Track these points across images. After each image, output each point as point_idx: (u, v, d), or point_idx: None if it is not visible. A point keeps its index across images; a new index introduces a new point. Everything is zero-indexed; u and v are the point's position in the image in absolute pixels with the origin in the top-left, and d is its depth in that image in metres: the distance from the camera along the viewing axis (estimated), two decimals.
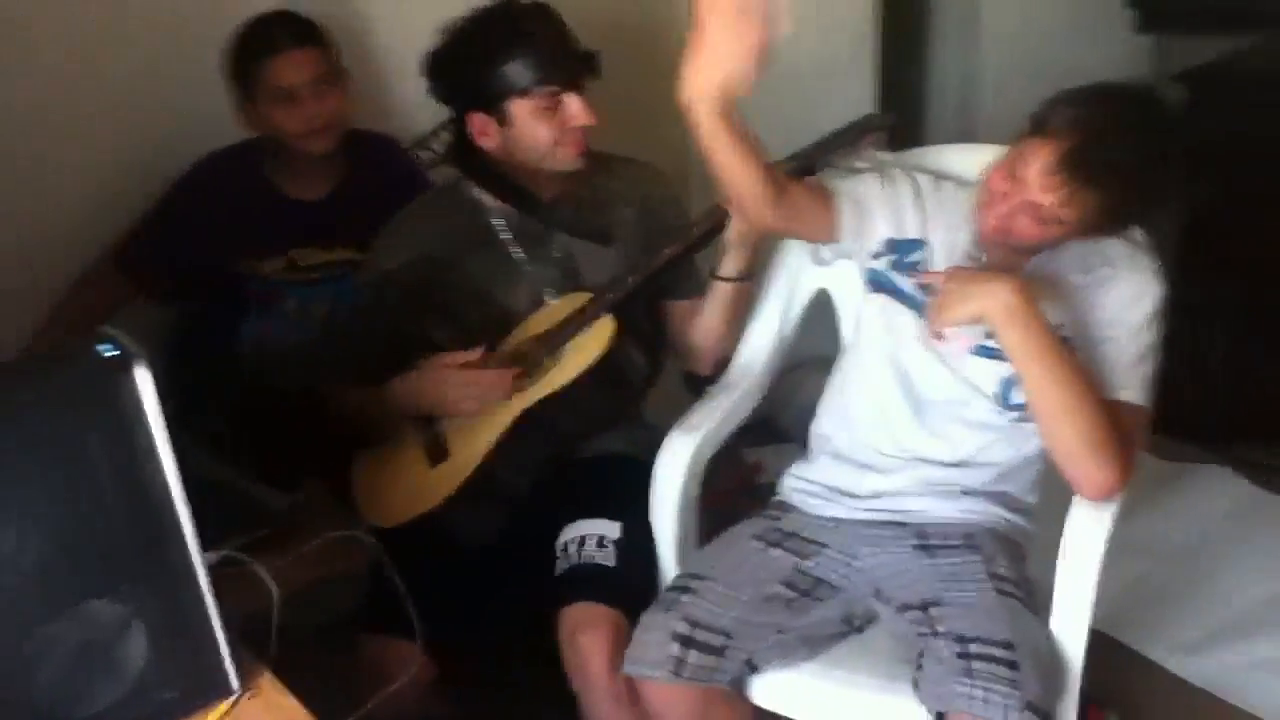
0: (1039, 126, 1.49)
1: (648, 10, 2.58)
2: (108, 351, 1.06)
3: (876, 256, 1.69)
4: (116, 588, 1.08)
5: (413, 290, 1.82)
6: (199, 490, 1.12)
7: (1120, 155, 1.46)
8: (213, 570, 1.14)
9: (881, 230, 1.68)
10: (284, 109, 1.96)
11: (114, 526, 1.06)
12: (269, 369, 2.15)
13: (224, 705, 1.16)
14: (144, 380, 1.04)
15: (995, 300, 1.48)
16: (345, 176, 2.08)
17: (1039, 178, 1.47)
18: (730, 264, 1.75)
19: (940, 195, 1.69)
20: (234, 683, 1.16)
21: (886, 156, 1.64)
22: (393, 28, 2.22)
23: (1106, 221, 1.51)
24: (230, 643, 1.15)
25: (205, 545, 1.13)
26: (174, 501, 1.08)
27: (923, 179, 1.68)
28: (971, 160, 1.67)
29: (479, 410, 1.74)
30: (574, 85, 1.71)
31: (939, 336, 1.57)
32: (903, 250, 1.68)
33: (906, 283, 1.66)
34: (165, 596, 1.10)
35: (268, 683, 1.19)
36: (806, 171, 1.65)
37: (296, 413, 2.04)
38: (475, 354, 1.75)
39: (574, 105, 1.71)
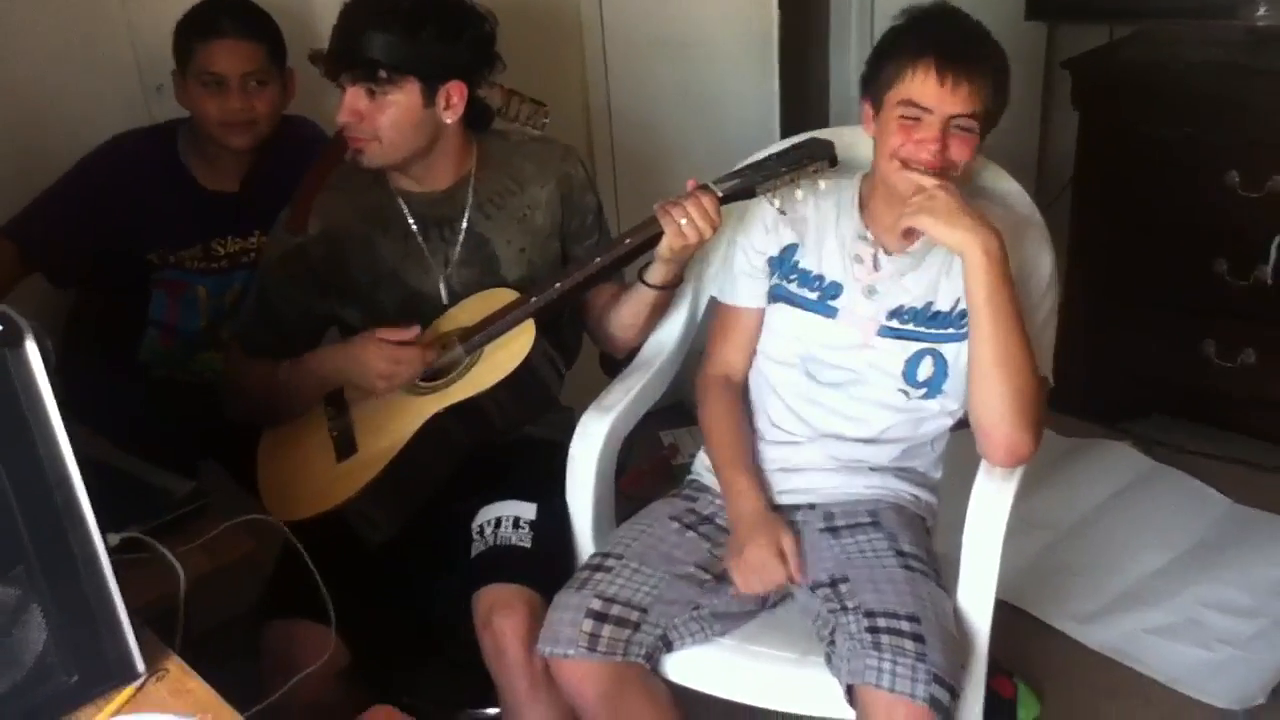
0: (893, 80, 1.56)
1: None
2: None
3: (769, 276, 1.74)
4: (10, 571, 1.04)
5: (321, 264, 1.79)
6: (99, 476, 1.09)
7: (967, 33, 1.56)
8: (115, 553, 1.11)
9: (759, 268, 1.74)
10: (209, 95, 1.93)
11: (6, 507, 1.02)
12: (177, 354, 2.10)
13: (129, 690, 1.13)
14: (34, 355, 1.01)
15: (984, 236, 1.50)
16: (259, 164, 2.04)
17: (938, 95, 1.52)
18: (658, 273, 1.74)
19: (818, 193, 1.69)
20: (139, 666, 1.13)
21: (824, 185, 1.65)
22: None
23: (999, 96, 1.57)
24: (134, 626, 1.12)
25: (108, 529, 1.10)
26: (70, 480, 1.04)
27: (798, 192, 1.67)
28: (867, 140, 1.69)
29: (392, 385, 1.71)
30: (344, 79, 1.65)
31: (907, 235, 1.58)
32: (785, 261, 1.72)
33: (799, 289, 1.71)
34: (64, 579, 1.06)
35: (174, 666, 1.17)
36: (745, 193, 1.64)
37: (196, 398, 2.00)
38: (411, 332, 1.71)
39: (343, 99, 1.66)
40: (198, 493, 1.64)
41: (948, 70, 1.51)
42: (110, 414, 1.79)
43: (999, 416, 1.55)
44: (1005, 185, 1.80)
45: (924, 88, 1.52)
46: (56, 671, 1.08)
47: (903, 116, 1.55)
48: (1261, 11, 2.55)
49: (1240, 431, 2.72)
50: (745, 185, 1.64)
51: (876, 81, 1.59)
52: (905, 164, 1.56)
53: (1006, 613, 1.67)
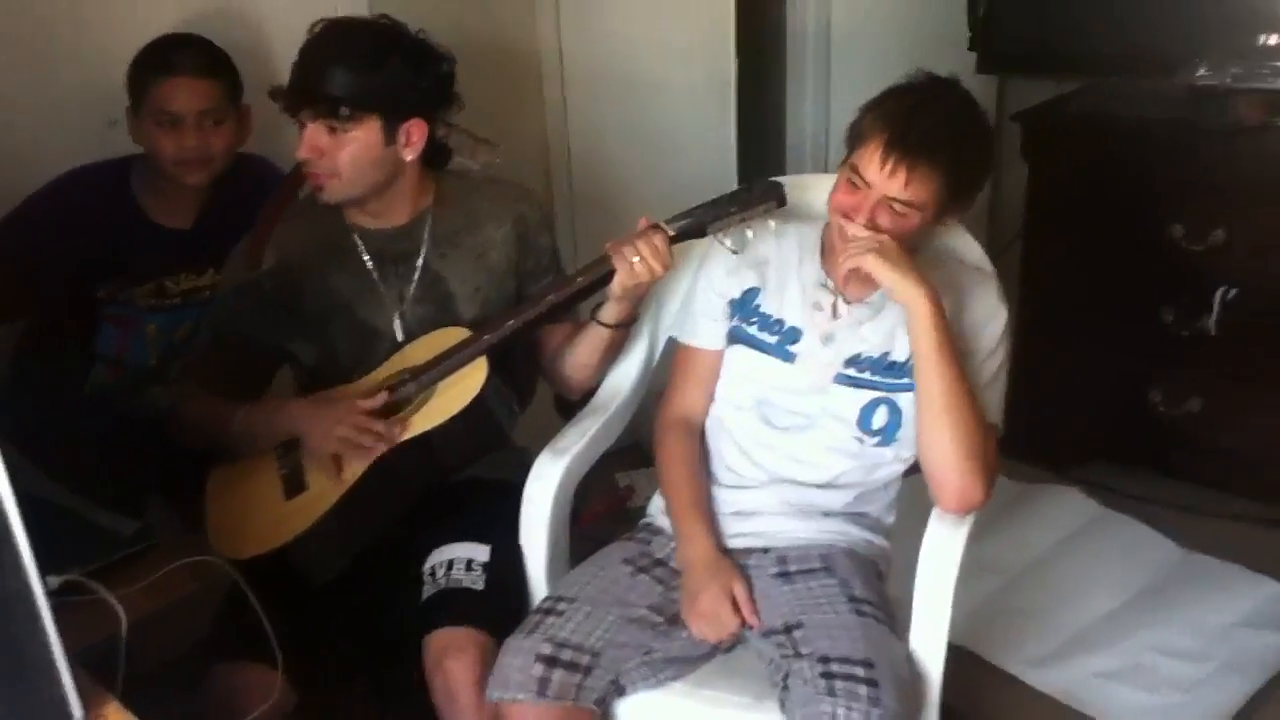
0: (858, 138, 1.58)
1: (503, 29, 2.58)
2: None
3: (730, 318, 1.75)
4: None
5: (274, 295, 1.77)
6: (43, 516, 1.06)
7: (936, 125, 1.54)
8: (54, 596, 1.08)
9: (720, 310, 1.75)
10: (164, 133, 1.92)
11: None
12: (124, 390, 2.06)
13: None
14: None
15: (929, 288, 1.53)
16: (213, 201, 2.03)
17: (879, 175, 1.54)
18: (612, 312, 1.75)
19: (780, 237, 1.72)
20: (76, 712, 1.10)
21: (774, 225, 1.67)
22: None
23: (956, 193, 1.58)
24: (73, 670, 1.09)
25: (48, 571, 1.08)
26: (7, 521, 1.02)
27: (754, 232, 1.70)
28: (827, 188, 1.71)
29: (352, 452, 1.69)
30: (305, 116, 1.65)
31: (844, 281, 1.60)
32: (746, 304, 1.74)
33: (759, 332, 1.72)
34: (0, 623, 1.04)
35: (113, 711, 1.14)
36: (696, 232, 1.66)
37: (144, 435, 1.96)
38: (378, 401, 1.70)
39: (304, 136, 1.66)
40: (143, 533, 1.61)
41: (892, 155, 1.52)
42: (57, 449, 1.76)
43: (949, 464, 1.57)
44: (959, 239, 1.83)
45: (869, 163, 1.55)
46: None
47: (849, 178, 1.58)
48: (1201, 72, 2.63)
49: (1185, 479, 2.76)
50: (696, 224, 1.66)
51: (851, 132, 1.61)
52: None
53: (959, 656, 1.67)
